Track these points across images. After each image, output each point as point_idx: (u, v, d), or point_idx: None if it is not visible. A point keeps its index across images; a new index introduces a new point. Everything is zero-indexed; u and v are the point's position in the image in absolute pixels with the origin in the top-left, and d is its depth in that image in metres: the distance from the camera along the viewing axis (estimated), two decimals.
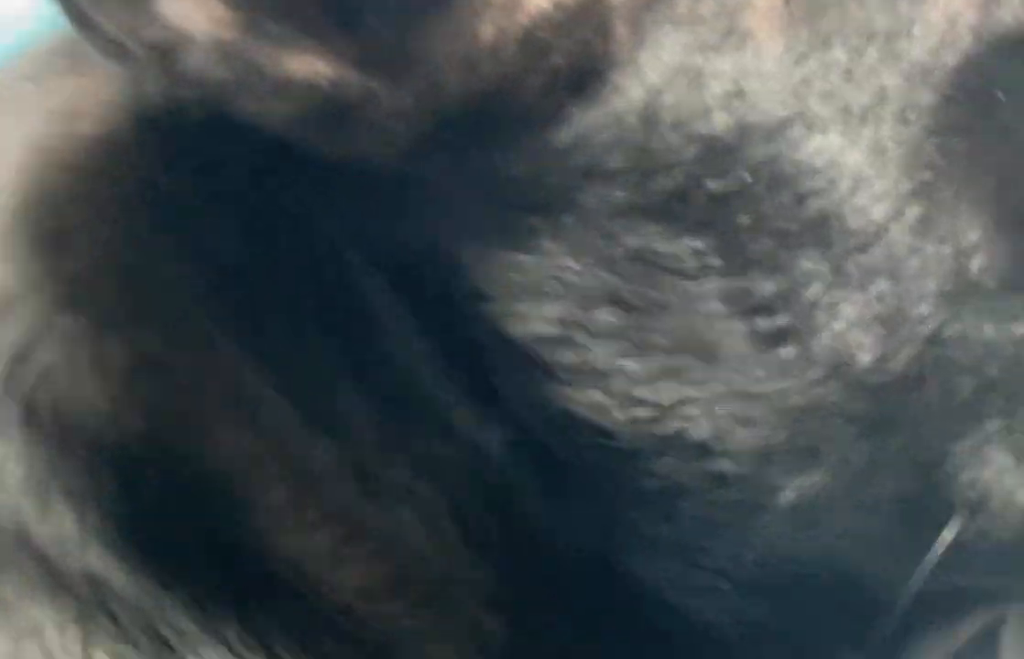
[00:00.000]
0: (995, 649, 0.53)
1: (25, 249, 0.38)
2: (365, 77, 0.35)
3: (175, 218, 0.37)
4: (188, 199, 0.37)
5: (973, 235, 0.36)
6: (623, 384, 0.37)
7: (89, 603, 0.38)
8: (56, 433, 0.37)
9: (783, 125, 0.35)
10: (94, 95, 0.40)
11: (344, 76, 0.34)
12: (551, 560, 0.39)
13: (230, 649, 0.38)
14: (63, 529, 0.37)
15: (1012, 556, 0.40)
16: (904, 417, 0.37)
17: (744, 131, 0.35)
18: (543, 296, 0.37)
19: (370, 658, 0.39)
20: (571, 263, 0.36)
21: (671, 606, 0.41)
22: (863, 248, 0.36)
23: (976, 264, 0.36)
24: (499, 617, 0.39)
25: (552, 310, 0.37)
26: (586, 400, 0.37)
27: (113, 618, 0.38)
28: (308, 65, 0.34)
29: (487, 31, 0.34)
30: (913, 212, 0.36)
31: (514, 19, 0.34)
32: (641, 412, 0.37)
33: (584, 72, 0.35)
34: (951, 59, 0.36)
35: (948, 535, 0.38)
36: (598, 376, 0.37)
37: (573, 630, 0.40)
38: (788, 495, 0.38)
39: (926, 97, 0.36)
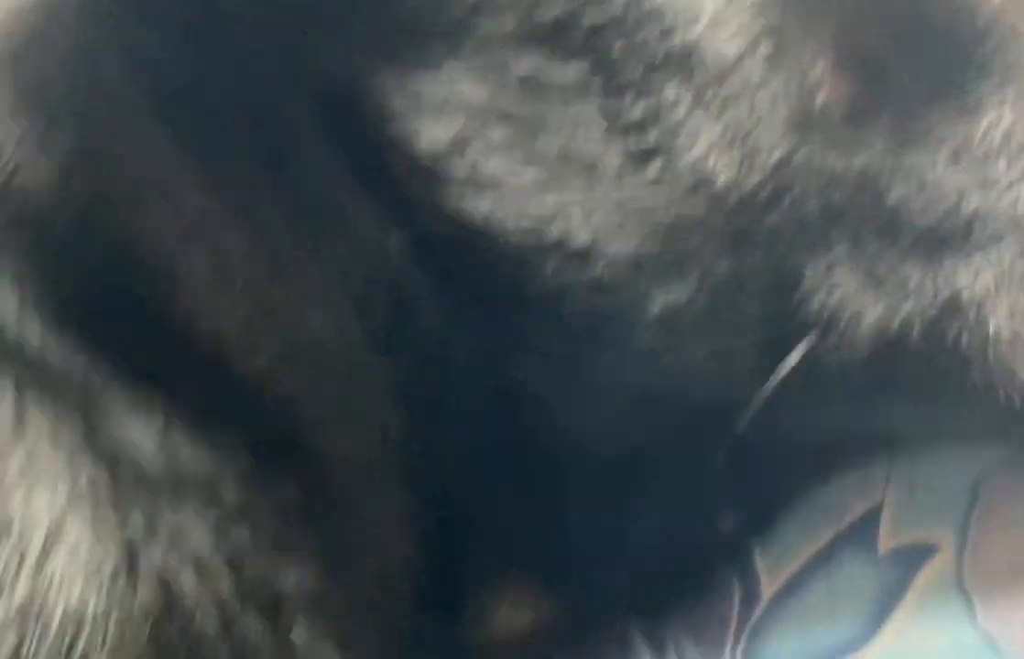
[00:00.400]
0: (875, 535, 0.57)
1: None
2: None
3: (121, 36, 0.43)
4: (134, 22, 0.43)
5: (817, 72, 0.42)
6: (511, 194, 0.42)
7: (24, 375, 0.42)
8: (3, 216, 0.42)
9: None
10: None
11: None
12: (446, 362, 0.44)
13: (153, 417, 0.42)
14: (3, 306, 0.42)
15: (864, 380, 0.44)
16: (759, 236, 0.42)
17: None
18: (442, 114, 0.42)
19: (274, 437, 0.43)
20: (468, 85, 0.42)
21: (556, 421, 0.45)
22: (720, 79, 0.42)
23: (820, 99, 0.42)
24: (396, 413, 0.44)
25: (450, 126, 0.42)
26: (478, 208, 0.42)
27: (47, 389, 0.42)
28: None
29: None
30: (763, 49, 0.42)
31: None
32: (527, 221, 0.42)
33: None
34: None
35: (799, 351, 0.43)
36: (489, 186, 0.42)
37: (465, 432, 0.45)
38: (657, 305, 0.43)
39: None
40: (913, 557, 0.56)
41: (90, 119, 0.42)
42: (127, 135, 0.42)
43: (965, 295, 0.43)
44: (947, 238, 0.42)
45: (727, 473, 0.50)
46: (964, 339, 0.43)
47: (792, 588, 0.57)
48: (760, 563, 0.57)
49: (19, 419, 0.42)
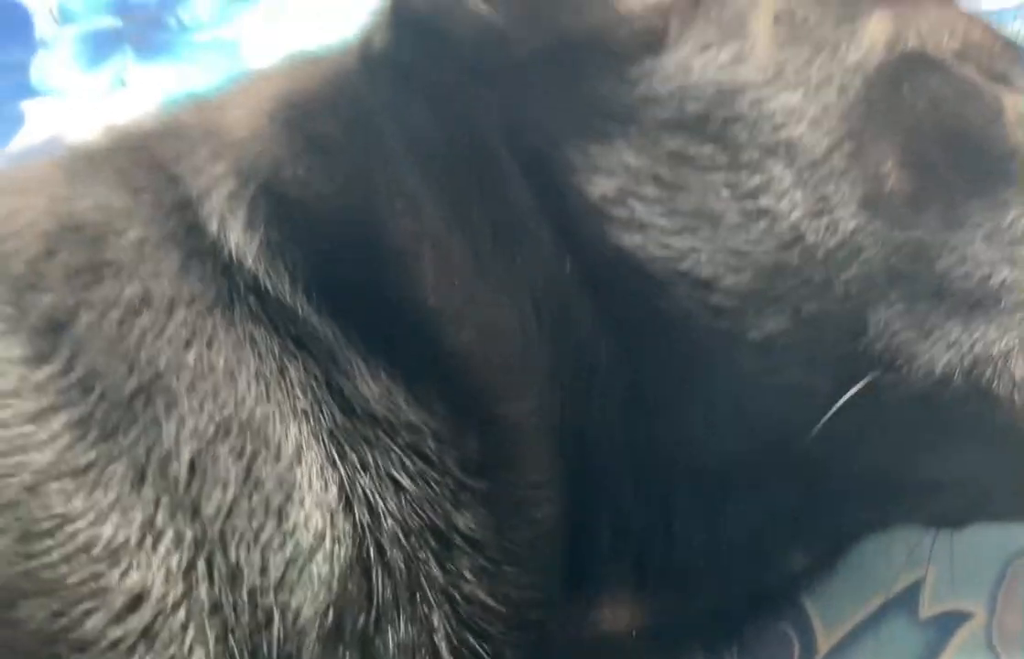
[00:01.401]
0: (917, 603, 0.68)
1: (281, 122, 0.60)
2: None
3: (389, 106, 0.58)
4: (394, 95, 0.59)
5: (886, 167, 0.56)
6: (656, 234, 0.56)
7: (288, 337, 0.55)
8: (273, 203, 0.56)
9: (767, 84, 0.57)
10: (327, 62, 0.63)
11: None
12: (594, 363, 0.57)
13: (379, 376, 0.55)
14: (279, 284, 0.56)
15: (916, 417, 0.56)
16: (838, 287, 0.55)
17: (741, 87, 0.57)
18: (611, 173, 0.57)
19: (465, 401, 0.56)
20: (631, 155, 0.57)
21: (672, 425, 0.57)
22: (814, 166, 0.56)
23: (887, 186, 0.56)
24: (557, 395, 0.57)
25: (616, 182, 0.57)
26: (630, 242, 0.56)
27: (303, 347, 0.55)
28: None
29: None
30: (847, 147, 0.56)
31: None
32: (667, 253, 0.56)
33: (653, 37, 0.58)
34: (874, 60, 0.57)
35: (863, 382, 0.55)
36: (640, 228, 0.56)
37: (601, 429, 0.57)
38: (758, 332, 0.56)
39: (857, 80, 0.57)
40: (950, 622, 0.67)
41: (362, 153, 0.57)
42: (387, 167, 0.57)
43: (995, 349, 0.55)
44: (981, 301, 0.55)
45: (797, 513, 0.61)
46: (995, 385, 0.55)
47: (844, 645, 0.67)
48: (816, 621, 0.68)
49: (280, 372, 0.54)
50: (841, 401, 0.55)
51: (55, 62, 1.00)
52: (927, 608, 0.67)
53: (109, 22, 1.01)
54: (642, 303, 0.57)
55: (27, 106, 0.98)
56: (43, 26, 1.02)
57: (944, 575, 0.67)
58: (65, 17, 1.02)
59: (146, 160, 0.59)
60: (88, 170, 0.59)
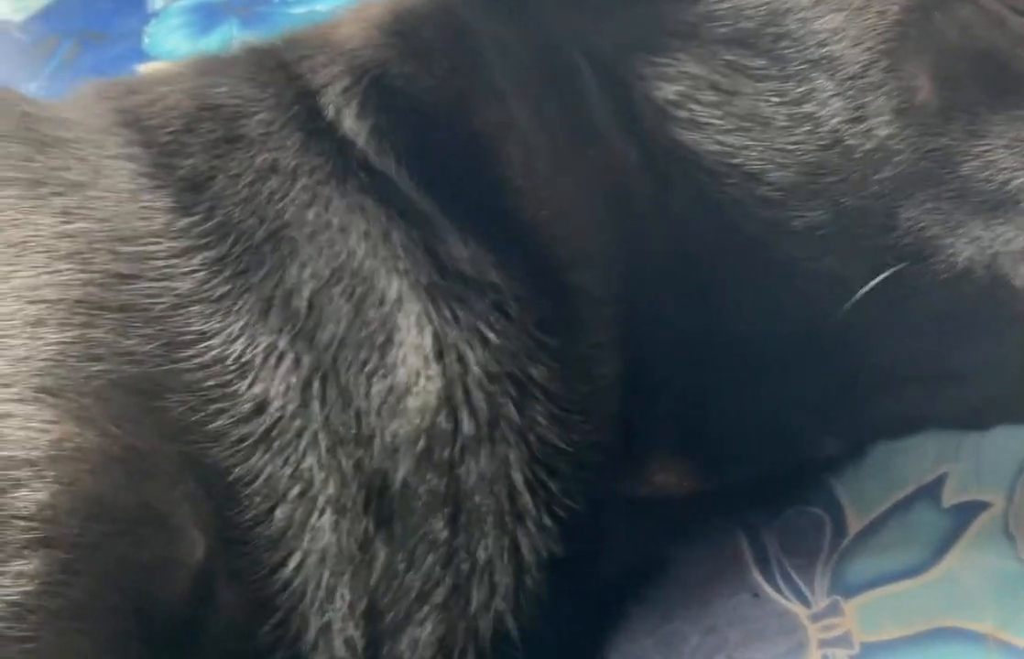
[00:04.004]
0: (941, 493, 0.74)
1: (389, 32, 0.69)
2: None
3: (481, 22, 0.67)
4: (487, 13, 0.68)
5: (918, 81, 0.64)
6: (713, 132, 0.64)
7: (392, 206, 0.64)
8: (381, 95, 0.64)
9: (813, 5, 0.65)
10: None
11: None
12: (653, 239, 0.65)
13: (470, 242, 0.63)
14: (385, 161, 0.65)
15: (943, 306, 0.63)
16: (873, 185, 0.63)
17: (789, 7, 0.65)
18: (674, 80, 0.65)
19: (542, 268, 0.64)
20: (692, 64, 0.65)
21: (725, 304, 0.65)
22: (853, 78, 0.64)
23: (919, 98, 0.64)
24: (618, 269, 0.65)
25: (677, 88, 0.65)
26: (690, 138, 0.64)
27: (405, 216, 0.63)
28: None
29: None
30: (884, 62, 0.64)
31: None
32: (722, 149, 0.64)
33: None
34: None
35: (892, 269, 0.63)
36: (699, 127, 0.64)
37: (661, 309, 0.65)
38: (800, 222, 0.63)
39: (895, 8, 0.65)
40: (971, 510, 0.74)
41: (459, 57, 0.66)
42: (480, 70, 0.65)
43: (1013, 245, 0.63)
44: (1002, 203, 0.62)
45: (830, 399, 0.69)
46: (1012, 278, 0.62)
47: (874, 527, 0.74)
48: (847, 505, 0.75)
49: (385, 235, 0.62)
50: (871, 284, 0.62)
51: (166, 30, 1.11)
52: (950, 497, 0.74)
53: None
54: (698, 192, 0.65)
55: (141, 69, 1.08)
56: None
57: (969, 469, 0.74)
58: None
59: (271, 62, 0.68)
60: (221, 67, 0.68)
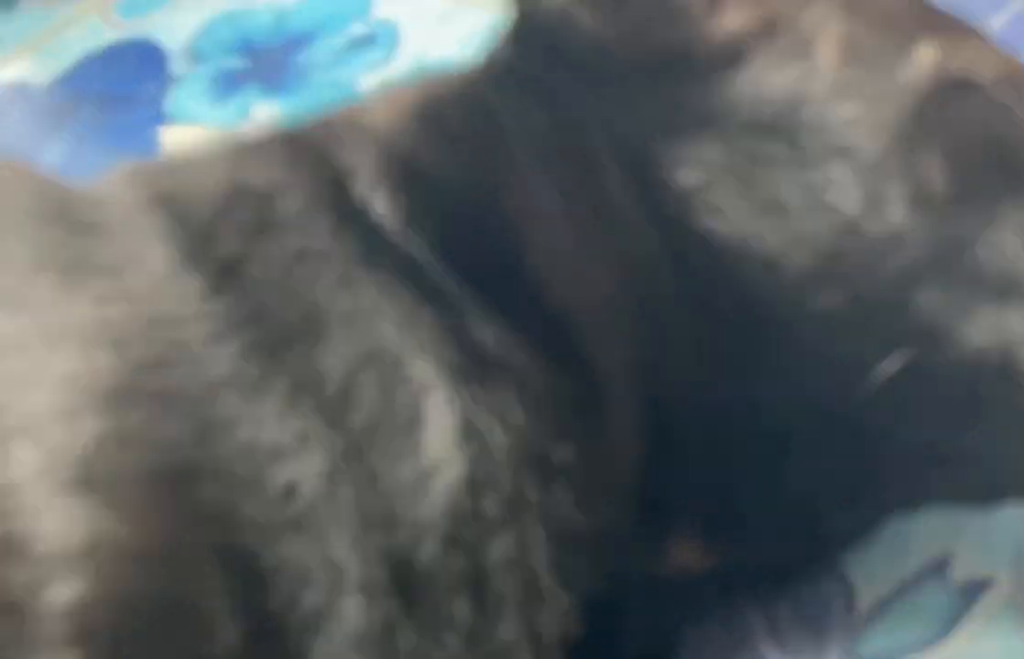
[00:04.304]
0: (949, 570, 0.76)
1: (418, 118, 0.71)
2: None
3: (510, 102, 0.69)
4: (513, 97, 0.70)
5: (932, 170, 0.66)
6: (731, 215, 0.66)
7: (419, 288, 0.65)
8: (410, 180, 0.66)
9: (831, 97, 0.67)
10: (457, 75, 0.74)
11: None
12: (674, 322, 0.67)
13: (494, 324, 0.65)
14: (416, 247, 0.66)
15: (958, 394, 0.65)
16: (888, 270, 0.65)
17: (807, 98, 0.67)
18: (695, 167, 0.67)
19: (565, 347, 0.66)
20: (713, 152, 0.67)
21: (742, 385, 0.67)
22: (869, 167, 0.66)
23: (932, 187, 0.66)
24: (640, 352, 0.67)
25: (698, 174, 0.67)
26: (710, 224, 0.67)
27: (431, 299, 0.65)
28: None
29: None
30: (898, 151, 0.66)
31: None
32: (739, 237, 0.66)
33: (733, 54, 0.68)
34: (923, 80, 0.68)
35: (903, 355, 0.65)
36: (718, 211, 0.67)
37: (680, 386, 0.67)
38: (818, 304, 0.66)
39: (909, 101, 0.67)
40: (978, 587, 0.75)
41: (487, 141, 0.68)
42: (507, 154, 0.67)
43: (1021, 331, 0.65)
44: (1013, 288, 0.65)
45: (846, 477, 0.71)
46: (1022, 365, 0.65)
47: (883, 603, 0.76)
48: (857, 581, 0.77)
49: (414, 317, 0.63)
50: (888, 368, 0.65)
51: (187, 95, 1.13)
52: (959, 575, 0.75)
53: (237, 63, 1.13)
54: (717, 276, 0.67)
55: (163, 132, 1.10)
56: (176, 64, 1.15)
57: (977, 547, 0.75)
58: (197, 57, 1.15)
59: (303, 145, 0.70)
60: (254, 150, 0.70)
